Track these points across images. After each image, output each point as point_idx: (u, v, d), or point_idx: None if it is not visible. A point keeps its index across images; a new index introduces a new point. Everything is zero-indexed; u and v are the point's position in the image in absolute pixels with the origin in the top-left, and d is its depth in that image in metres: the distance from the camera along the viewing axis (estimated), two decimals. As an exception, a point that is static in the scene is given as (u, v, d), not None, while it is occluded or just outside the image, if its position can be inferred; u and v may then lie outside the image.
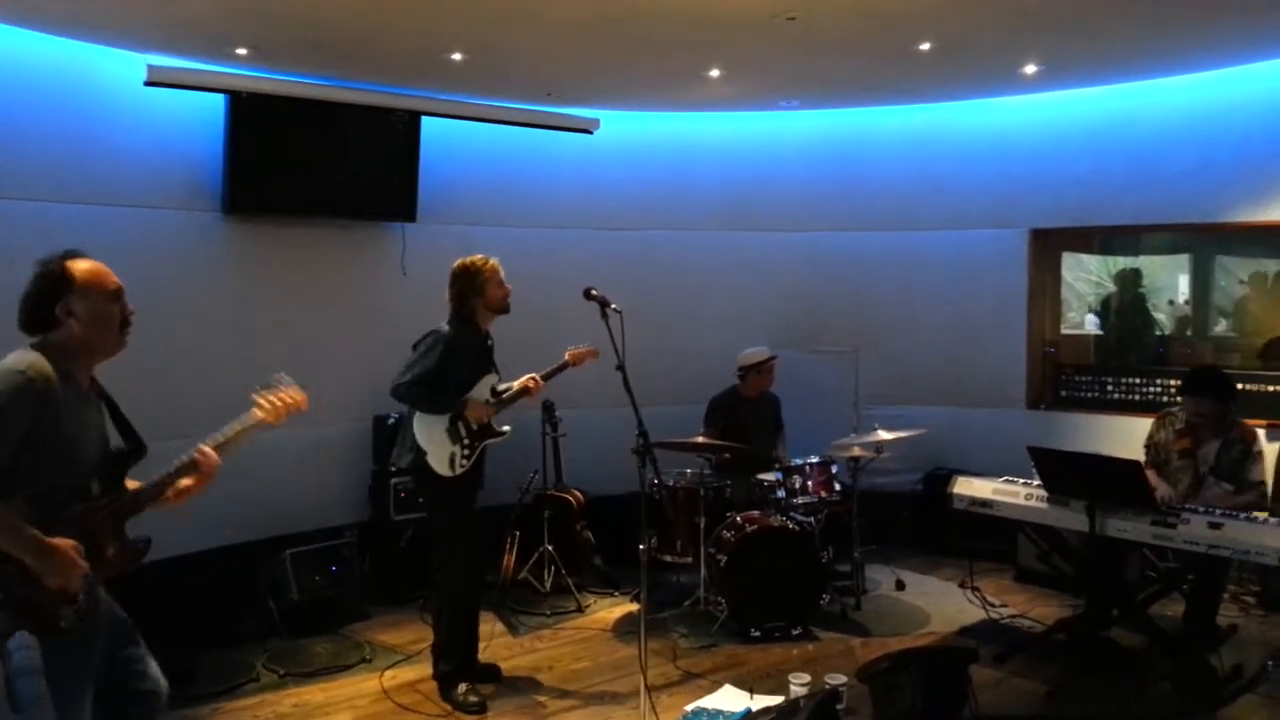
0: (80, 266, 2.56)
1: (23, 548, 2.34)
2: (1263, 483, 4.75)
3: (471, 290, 4.40)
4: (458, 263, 4.45)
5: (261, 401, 2.87)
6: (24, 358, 2.44)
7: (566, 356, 4.76)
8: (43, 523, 2.41)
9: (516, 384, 4.57)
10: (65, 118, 4.86)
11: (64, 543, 2.40)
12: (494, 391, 4.52)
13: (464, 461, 4.37)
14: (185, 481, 2.71)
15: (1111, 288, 6.89)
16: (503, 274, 4.46)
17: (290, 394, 2.92)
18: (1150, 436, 5.07)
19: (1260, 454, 4.74)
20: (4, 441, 2.36)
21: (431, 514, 4.58)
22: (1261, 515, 4.27)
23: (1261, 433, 4.98)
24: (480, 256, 4.44)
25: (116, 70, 5.00)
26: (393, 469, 5.66)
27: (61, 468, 2.49)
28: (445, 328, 4.40)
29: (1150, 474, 4.64)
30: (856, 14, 4.47)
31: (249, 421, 2.84)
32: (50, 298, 2.51)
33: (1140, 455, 4.95)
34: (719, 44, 5.01)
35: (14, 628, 2.38)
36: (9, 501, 2.36)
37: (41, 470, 2.43)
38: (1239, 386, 5.77)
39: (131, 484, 2.72)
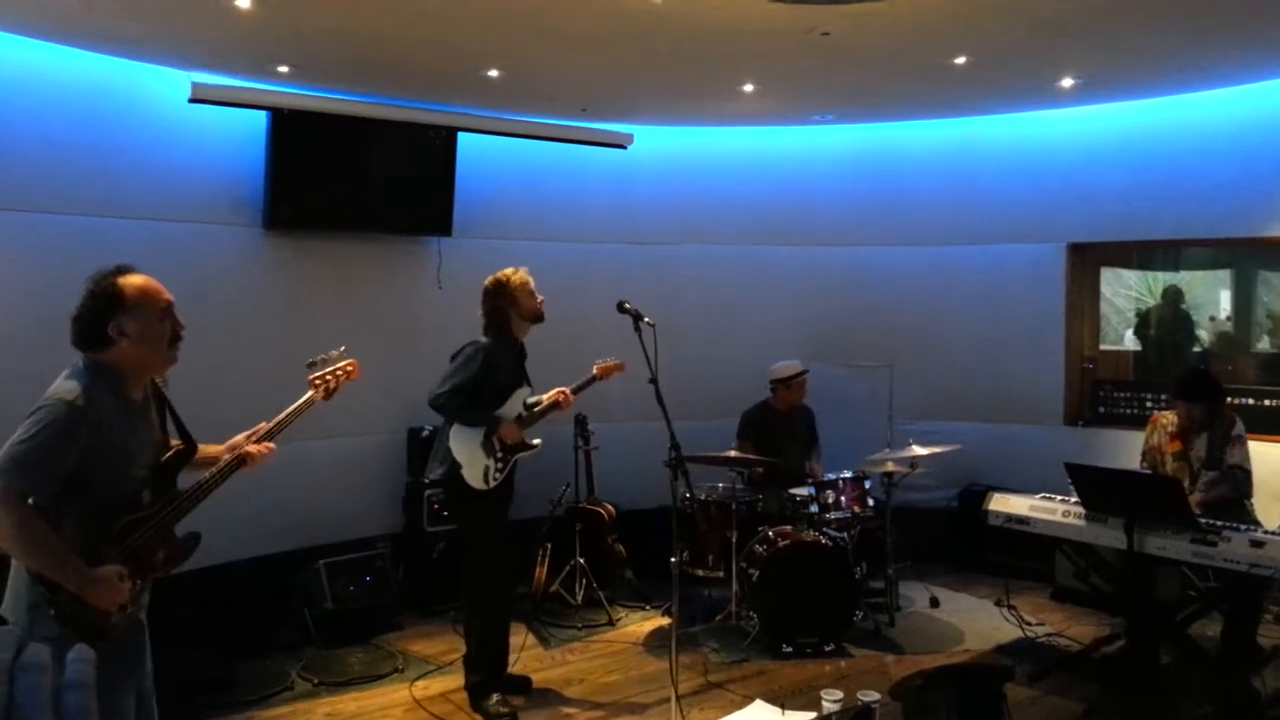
0: (132, 284, 2.53)
1: (72, 580, 2.38)
2: (1238, 466, 4.75)
3: (505, 302, 4.43)
4: (489, 278, 4.48)
5: (315, 381, 3.02)
6: (73, 387, 2.43)
7: (595, 370, 4.80)
8: (92, 543, 2.45)
9: (546, 398, 4.60)
10: (111, 134, 4.98)
11: (108, 572, 2.43)
12: (525, 405, 4.55)
13: (497, 475, 4.40)
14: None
15: (1151, 303, 6.80)
16: (533, 284, 4.49)
17: (342, 369, 3.09)
18: (1145, 443, 5.13)
19: (1239, 438, 4.79)
20: (55, 470, 2.38)
21: (464, 527, 4.61)
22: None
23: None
24: (510, 269, 4.48)
25: (162, 88, 5.12)
26: (425, 481, 5.72)
27: (114, 484, 2.52)
28: (483, 339, 4.44)
29: None
30: (891, 29, 4.46)
31: (304, 403, 2.99)
32: (102, 317, 2.48)
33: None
34: (753, 59, 5.02)
35: (73, 640, 2.42)
36: (59, 525, 2.40)
37: (96, 489, 2.47)
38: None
39: (207, 450, 2.81)
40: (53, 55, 4.71)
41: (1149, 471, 5.01)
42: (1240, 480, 4.73)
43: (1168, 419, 5.03)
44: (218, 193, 5.39)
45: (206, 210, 5.34)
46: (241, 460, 2.80)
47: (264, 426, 2.88)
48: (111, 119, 4.98)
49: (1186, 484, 4.77)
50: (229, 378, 5.18)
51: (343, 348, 3.14)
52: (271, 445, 2.88)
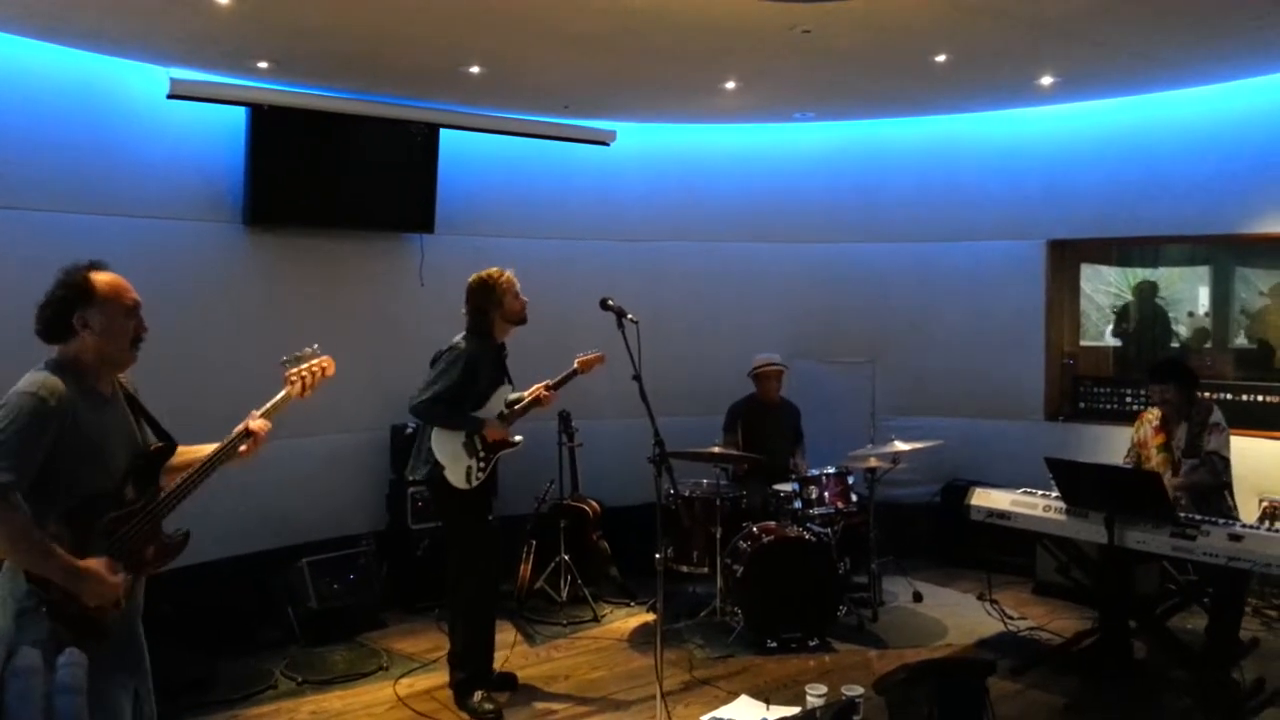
0: (102, 279, 2.55)
1: (57, 573, 2.37)
2: (1215, 453, 4.82)
3: (489, 304, 4.41)
4: (474, 277, 4.45)
5: (292, 377, 2.99)
6: (35, 378, 2.44)
7: (575, 364, 4.78)
8: (79, 538, 2.43)
9: (528, 395, 4.59)
10: (89, 130, 4.94)
11: (95, 563, 2.42)
12: (507, 403, 4.53)
13: (480, 474, 4.39)
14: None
15: (1130, 299, 6.86)
16: (519, 285, 4.47)
17: (318, 365, 3.05)
18: (1131, 439, 5.22)
19: (1216, 425, 4.86)
20: (27, 463, 2.36)
21: (449, 526, 4.60)
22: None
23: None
24: (496, 269, 4.46)
25: (140, 83, 5.07)
26: (408, 480, 5.69)
27: (93, 477, 2.50)
28: (462, 344, 4.41)
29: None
30: (871, 27, 4.48)
31: (280, 399, 2.96)
32: (69, 307, 2.50)
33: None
34: (735, 57, 5.03)
35: (65, 643, 2.39)
36: (43, 522, 2.38)
37: (74, 483, 2.45)
38: (1260, 399, 5.81)
39: (188, 451, 2.78)
40: (29, 51, 4.66)
41: (1130, 466, 5.06)
42: (1219, 467, 4.79)
43: (1153, 414, 5.12)
44: (197, 189, 5.35)
45: (186, 206, 5.30)
46: (233, 445, 2.76)
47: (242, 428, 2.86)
48: (89, 115, 4.93)
49: (1169, 474, 4.83)
50: (208, 375, 5.15)
51: (315, 345, 3.11)
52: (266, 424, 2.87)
